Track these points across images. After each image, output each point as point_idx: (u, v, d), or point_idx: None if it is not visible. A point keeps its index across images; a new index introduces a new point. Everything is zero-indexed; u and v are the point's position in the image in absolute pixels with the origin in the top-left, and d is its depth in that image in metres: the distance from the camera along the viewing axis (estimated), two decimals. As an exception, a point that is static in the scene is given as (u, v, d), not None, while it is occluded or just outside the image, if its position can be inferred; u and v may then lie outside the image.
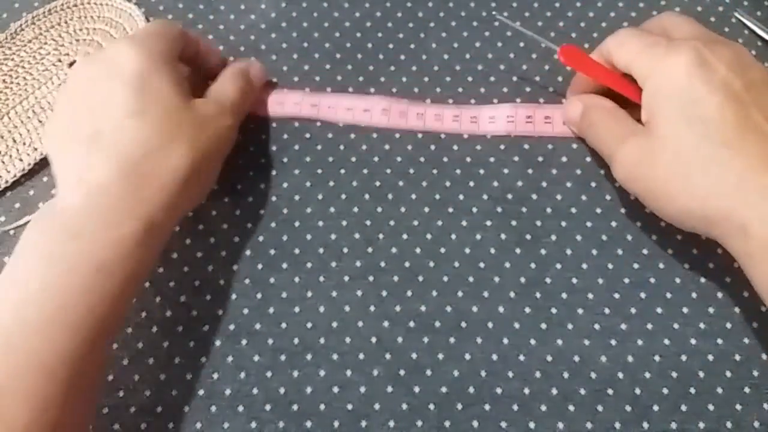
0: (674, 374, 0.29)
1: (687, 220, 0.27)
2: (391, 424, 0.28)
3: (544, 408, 0.28)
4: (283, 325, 0.30)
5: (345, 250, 0.32)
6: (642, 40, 0.28)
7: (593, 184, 0.33)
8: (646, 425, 0.28)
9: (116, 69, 0.27)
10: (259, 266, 0.31)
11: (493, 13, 0.34)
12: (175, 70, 0.29)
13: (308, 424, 0.28)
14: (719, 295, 0.30)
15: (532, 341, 0.30)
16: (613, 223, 0.32)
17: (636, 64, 0.28)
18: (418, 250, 0.31)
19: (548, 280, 0.31)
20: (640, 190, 0.28)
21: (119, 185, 0.25)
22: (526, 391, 0.29)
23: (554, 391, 0.29)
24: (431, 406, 0.28)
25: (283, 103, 0.34)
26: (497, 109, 0.34)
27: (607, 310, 0.30)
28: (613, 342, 0.30)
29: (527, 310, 0.30)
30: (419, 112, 0.34)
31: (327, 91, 0.35)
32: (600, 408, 0.28)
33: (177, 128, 0.27)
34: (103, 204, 0.25)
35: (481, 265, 0.31)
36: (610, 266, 0.31)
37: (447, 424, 0.28)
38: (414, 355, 0.29)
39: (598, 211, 0.32)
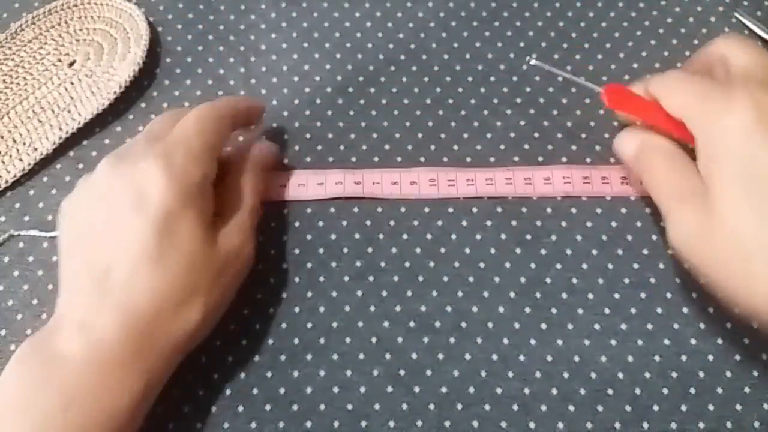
0: (674, 374, 0.29)
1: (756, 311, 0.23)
2: (391, 424, 0.28)
3: (544, 408, 0.28)
4: (283, 325, 0.30)
5: (345, 250, 0.32)
6: (694, 88, 0.25)
7: (593, 184, 0.33)
8: (646, 425, 0.28)
9: (142, 200, 0.25)
10: (259, 266, 0.31)
11: (527, 58, 0.31)
12: (206, 202, 0.27)
13: (308, 424, 0.28)
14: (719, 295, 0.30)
15: (532, 341, 0.30)
16: (613, 224, 0.32)
17: (689, 119, 0.25)
18: (418, 250, 0.31)
19: (548, 280, 0.31)
20: (696, 265, 0.25)
21: (122, 345, 0.24)
22: (526, 391, 0.29)
23: (554, 391, 0.29)
24: (431, 406, 0.28)
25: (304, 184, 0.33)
26: (552, 171, 0.33)
27: (607, 310, 0.30)
28: (613, 342, 0.29)
29: (527, 310, 0.30)
30: (469, 179, 0.33)
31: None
32: (600, 408, 0.28)
33: (195, 280, 0.25)
34: (102, 363, 0.23)
35: (481, 265, 0.31)
36: (610, 266, 0.31)
37: (447, 424, 0.28)
38: (414, 355, 0.29)
39: (599, 211, 0.32)
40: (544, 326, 0.30)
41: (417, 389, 0.29)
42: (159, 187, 0.25)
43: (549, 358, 0.29)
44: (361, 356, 0.29)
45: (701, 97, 0.25)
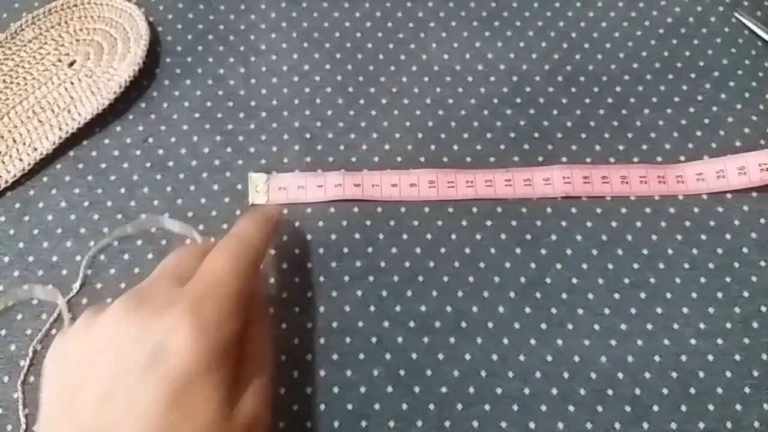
0: (674, 374, 0.29)
1: None
2: (391, 424, 0.28)
3: (544, 408, 0.28)
4: (283, 325, 0.30)
5: (345, 250, 0.32)
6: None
7: (593, 184, 0.33)
8: (646, 425, 0.28)
9: (159, 358, 0.21)
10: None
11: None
12: (230, 364, 0.23)
13: (308, 424, 0.28)
14: (719, 295, 0.30)
15: (532, 341, 0.30)
16: (614, 223, 0.32)
17: None
18: (418, 250, 0.31)
19: (548, 280, 0.31)
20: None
21: None
22: (526, 391, 0.29)
23: (554, 391, 0.29)
24: (431, 406, 0.28)
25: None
26: (552, 171, 0.33)
27: (607, 310, 0.30)
28: (613, 342, 0.30)
29: (527, 310, 0.30)
30: (468, 180, 0.33)
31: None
32: (600, 408, 0.28)
33: None
34: None
35: (481, 265, 0.31)
36: (610, 266, 0.31)
37: (447, 424, 0.28)
38: (414, 355, 0.29)
39: (598, 211, 0.32)
40: (544, 326, 0.30)
41: (417, 389, 0.29)
42: (183, 344, 0.21)
43: (549, 358, 0.29)
44: (361, 356, 0.29)
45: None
